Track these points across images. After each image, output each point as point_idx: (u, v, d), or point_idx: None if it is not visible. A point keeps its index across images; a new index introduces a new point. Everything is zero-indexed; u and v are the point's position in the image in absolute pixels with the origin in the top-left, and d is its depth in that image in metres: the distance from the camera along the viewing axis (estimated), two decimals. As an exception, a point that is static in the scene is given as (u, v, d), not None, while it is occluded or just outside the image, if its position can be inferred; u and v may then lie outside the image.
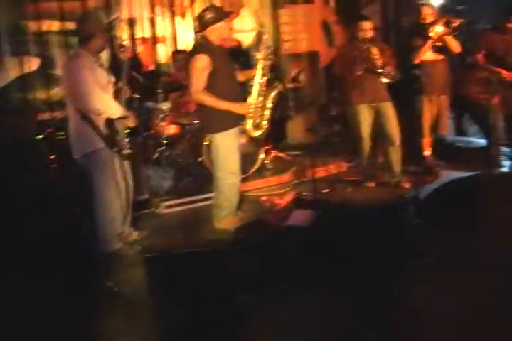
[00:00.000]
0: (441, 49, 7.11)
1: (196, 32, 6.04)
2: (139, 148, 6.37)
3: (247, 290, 4.13)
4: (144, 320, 4.05)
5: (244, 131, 5.72)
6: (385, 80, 6.53)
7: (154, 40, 8.62)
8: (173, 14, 8.68)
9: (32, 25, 7.75)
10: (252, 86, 5.66)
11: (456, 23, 6.91)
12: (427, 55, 7.09)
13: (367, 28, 6.67)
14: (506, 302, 4.07)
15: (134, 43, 8.35)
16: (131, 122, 5.20)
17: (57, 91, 7.85)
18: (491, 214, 5.22)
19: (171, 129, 7.45)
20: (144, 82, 7.52)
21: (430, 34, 6.90)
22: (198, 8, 8.62)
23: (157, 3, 8.53)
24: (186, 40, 8.81)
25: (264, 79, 5.66)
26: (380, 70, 6.49)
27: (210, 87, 5.37)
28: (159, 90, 7.40)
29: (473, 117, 9.14)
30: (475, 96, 7.76)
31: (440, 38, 6.96)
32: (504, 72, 7.18)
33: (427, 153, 7.47)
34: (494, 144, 7.59)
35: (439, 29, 6.88)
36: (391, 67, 6.59)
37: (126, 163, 5.31)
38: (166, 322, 3.89)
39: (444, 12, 7.56)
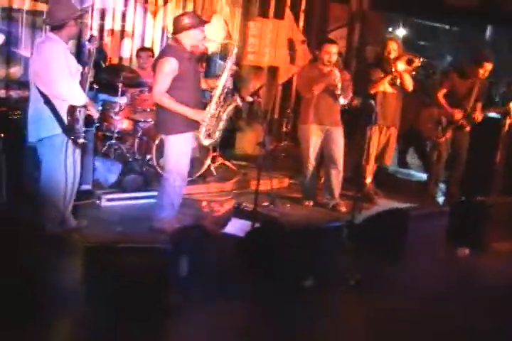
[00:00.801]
0: (397, 84, 7.33)
1: (170, 34, 6.09)
2: (90, 139, 6.38)
3: (173, 291, 4.22)
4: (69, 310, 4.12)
5: (196, 138, 5.79)
6: (341, 101, 6.69)
7: (122, 33, 8.63)
8: (145, 11, 8.71)
9: (2, 1, 7.69)
10: (212, 95, 5.74)
11: (418, 63, 7.15)
12: (383, 87, 7.31)
13: (332, 51, 6.85)
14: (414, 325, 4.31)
15: (101, 34, 8.35)
16: (93, 112, 5.27)
17: (16, 70, 7.82)
18: (416, 245, 5.47)
19: (124, 124, 7.48)
20: (104, 75, 7.51)
21: (392, 69, 7.12)
22: (170, 9, 8.74)
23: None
24: (153, 38, 8.85)
25: (226, 89, 5.76)
26: (339, 91, 6.66)
27: (173, 90, 5.42)
28: (119, 84, 7.42)
29: (418, 152, 9.45)
30: (425, 132, 8.02)
31: (399, 74, 7.19)
32: (456, 114, 7.43)
33: (368, 180, 7.67)
34: (433, 180, 7.84)
35: (401, 67, 7.11)
36: (348, 91, 6.79)
37: (78, 152, 5.36)
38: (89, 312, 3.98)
39: (406, 46, 7.76)
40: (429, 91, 9.71)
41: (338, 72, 6.72)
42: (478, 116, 7.49)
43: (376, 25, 10.30)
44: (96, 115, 5.39)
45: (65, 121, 5.00)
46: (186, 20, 5.48)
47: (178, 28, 5.51)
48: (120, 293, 3.95)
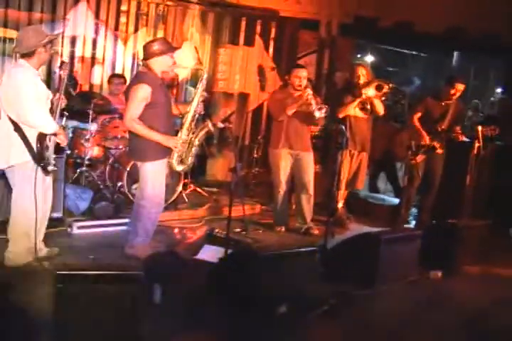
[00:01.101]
0: (367, 108, 7.40)
1: (141, 60, 6.11)
2: (61, 166, 6.35)
3: (146, 318, 4.18)
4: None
5: (168, 164, 5.78)
6: (318, 115, 6.69)
7: (93, 60, 8.65)
8: (115, 38, 8.75)
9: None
10: (183, 121, 5.76)
11: (387, 89, 7.23)
12: (353, 111, 7.37)
13: (302, 76, 6.91)
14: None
15: (72, 61, 8.36)
16: (62, 140, 5.24)
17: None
18: (388, 269, 5.49)
19: (95, 151, 7.47)
20: (75, 101, 7.49)
21: (362, 96, 7.19)
22: (141, 36, 8.78)
23: (102, 25, 8.59)
24: (124, 65, 8.88)
25: (196, 115, 5.78)
26: (314, 106, 6.67)
27: (145, 117, 5.42)
28: (89, 111, 7.40)
29: (389, 176, 9.51)
30: (396, 156, 8.08)
31: (369, 99, 7.27)
32: (425, 137, 7.48)
33: (340, 205, 7.70)
34: (405, 204, 7.88)
35: (371, 93, 7.18)
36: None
37: (49, 179, 5.32)
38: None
39: (374, 72, 7.85)
40: (399, 116, 9.85)
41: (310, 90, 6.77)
42: (459, 137, 7.53)
43: (345, 51, 10.41)
44: (65, 143, 5.36)
45: (35, 149, 4.97)
46: (156, 47, 5.50)
47: (148, 54, 5.53)
48: (93, 321, 3.90)
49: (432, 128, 7.49)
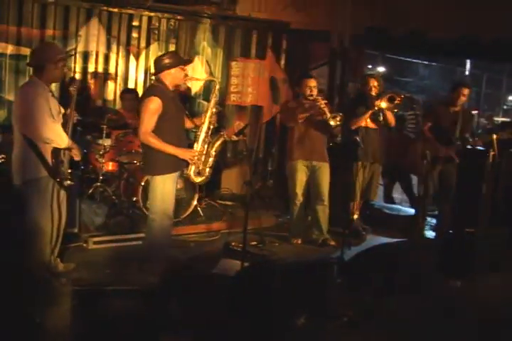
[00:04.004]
0: (379, 120, 7.37)
1: (152, 74, 6.13)
2: (76, 181, 6.36)
3: (164, 333, 4.17)
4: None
5: (186, 177, 5.78)
6: (332, 123, 6.66)
7: (106, 76, 8.69)
8: (128, 53, 8.79)
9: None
10: (198, 133, 5.77)
11: (399, 101, 7.20)
12: (364, 122, 7.34)
13: (311, 85, 6.90)
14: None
15: (85, 77, 8.41)
16: (76, 155, 5.25)
17: (1, 114, 7.84)
18: (407, 280, 5.44)
19: (110, 166, 7.49)
20: (88, 117, 7.52)
21: (375, 108, 7.16)
22: (153, 50, 8.81)
23: (114, 40, 8.63)
24: (137, 80, 8.92)
25: (211, 127, 5.78)
26: (328, 115, 6.66)
27: (159, 130, 5.42)
28: (103, 126, 7.43)
29: (403, 186, 9.47)
30: (411, 167, 8.04)
31: (381, 111, 7.24)
32: (442, 149, 7.44)
33: (355, 216, 7.66)
34: (421, 214, 7.83)
35: (383, 105, 7.15)
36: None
37: (64, 194, 5.34)
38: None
39: (386, 82, 7.84)
40: (413, 127, 9.82)
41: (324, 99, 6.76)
42: (475, 143, 7.49)
43: (357, 62, 10.40)
44: (79, 158, 5.36)
45: (50, 164, 4.97)
46: (167, 60, 5.52)
47: (159, 68, 5.55)
48: (111, 336, 3.89)
49: (444, 137, 7.45)
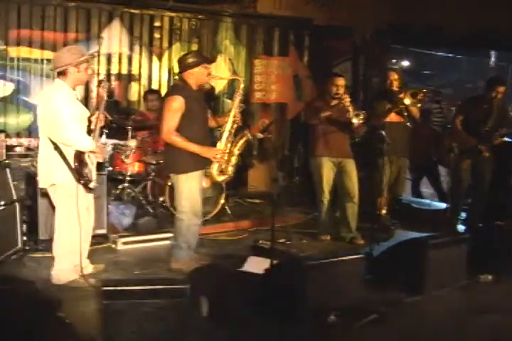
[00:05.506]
0: (403, 114, 7.31)
1: (176, 74, 6.14)
2: (103, 183, 6.39)
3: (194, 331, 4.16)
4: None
5: (209, 175, 5.79)
6: (355, 121, 6.61)
7: (129, 77, 8.74)
8: (150, 54, 8.82)
9: (11, 51, 7.83)
10: (221, 131, 5.77)
11: (422, 96, 7.14)
12: (389, 118, 7.29)
13: (339, 84, 6.86)
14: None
15: (109, 79, 8.45)
16: (100, 157, 5.26)
17: (27, 118, 7.91)
18: (437, 275, 5.38)
19: (136, 167, 7.51)
20: (113, 118, 7.56)
21: (398, 104, 7.10)
22: (175, 51, 8.83)
23: (136, 41, 8.67)
24: (160, 80, 8.94)
25: (235, 126, 5.78)
26: (352, 113, 6.61)
27: (182, 129, 5.44)
28: (128, 127, 7.46)
29: (431, 181, 9.39)
30: (439, 160, 7.97)
31: (405, 107, 7.18)
32: (472, 142, 7.36)
33: (384, 211, 7.61)
34: (451, 208, 7.75)
35: (406, 101, 7.09)
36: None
37: (90, 196, 5.36)
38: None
39: (410, 76, 7.79)
40: (439, 120, 9.73)
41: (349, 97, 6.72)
42: (499, 139, 7.39)
43: (380, 57, 10.35)
44: (102, 160, 5.37)
45: (74, 167, 5.00)
46: (190, 59, 5.54)
47: (182, 67, 5.58)
48: (140, 336, 3.89)
49: (475, 130, 7.36)
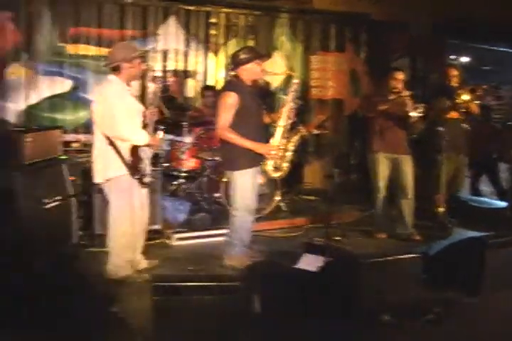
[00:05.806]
0: (461, 110, 7.18)
1: (229, 70, 6.13)
2: (158, 178, 6.43)
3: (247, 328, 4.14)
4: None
5: (263, 172, 5.77)
6: (414, 114, 6.51)
7: (185, 73, 8.78)
8: (206, 50, 8.85)
9: (69, 48, 7.95)
10: (276, 128, 5.74)
11: (481, 91, 7.01)
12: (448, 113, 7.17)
13: (399, 78, 6.78)
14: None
15: (165, 75, 8.50)
16: (155, 149, 5.31)
17: (85, 114, 8.00)
18: (495, 276, 5.25)
19: (191, 163, 7.54)
20: (169, 115, 7.60)
21: (457, 101, 6.98)
22: (231, 47, 8.83)
23: (192, 38, 8.71)
24: (216, 76, 8.96)
25: (289, 122, 5.74)
26: (409, 106, 6.51)
27: (236, 125, 5.42)
28: (184, 124, 7.49)
29: (491, 178, 9.20)
30: (499, 158, 7.81)
31: (464, 104, 7.05)
32: None
33: (441, 209, 7.49)
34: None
35: (465, 97, 6.97)
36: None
37: (145, 192, 5.39)
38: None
39: (470, 73, 7.64)
40: (499, 117, 9.54)
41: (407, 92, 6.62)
42: None
43: (437, 52, 10.19)
44: (156, 149, 5.39)
45: (129, 162, 5.03)
46: (243, 55, 5.52)
47: (236, 63, 5.56)
48: (193, 333, 3.89)
49: None
